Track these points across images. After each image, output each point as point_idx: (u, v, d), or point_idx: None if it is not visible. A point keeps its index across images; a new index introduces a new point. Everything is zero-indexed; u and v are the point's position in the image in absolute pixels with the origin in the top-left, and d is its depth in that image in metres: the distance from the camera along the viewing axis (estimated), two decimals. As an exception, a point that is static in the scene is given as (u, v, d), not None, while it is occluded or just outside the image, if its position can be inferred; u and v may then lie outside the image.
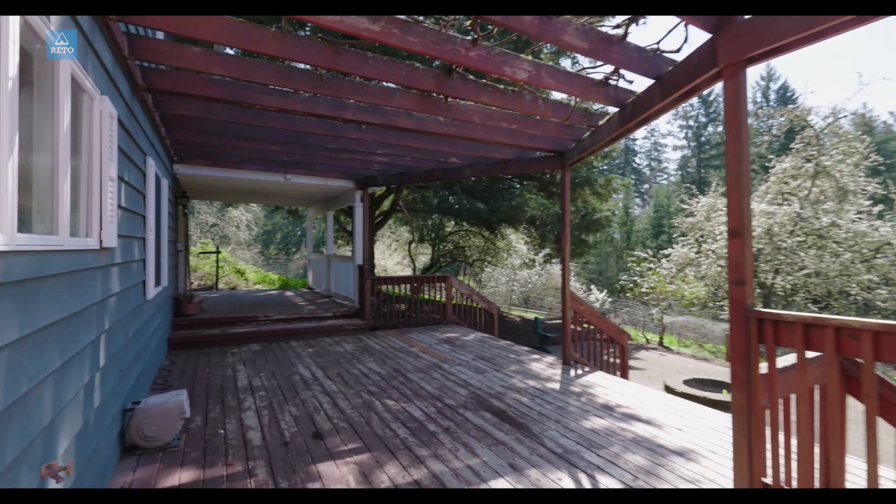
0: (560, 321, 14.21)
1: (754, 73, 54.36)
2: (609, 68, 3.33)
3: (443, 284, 8.74)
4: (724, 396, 6.95)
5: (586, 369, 5.49)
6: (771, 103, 47.43)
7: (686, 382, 7.75)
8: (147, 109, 4.04)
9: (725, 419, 3.82)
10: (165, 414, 3.15)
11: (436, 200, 11.00)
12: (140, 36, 3.03)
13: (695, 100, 52.55)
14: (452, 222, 22.48)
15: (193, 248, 20.18)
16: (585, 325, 5.93)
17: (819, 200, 14.04)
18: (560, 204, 5.54)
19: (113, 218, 2.65)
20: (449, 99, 3.96)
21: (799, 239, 13.21)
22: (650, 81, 3.19)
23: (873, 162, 13.40)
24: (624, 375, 6.27)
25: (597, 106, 4.26)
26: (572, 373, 5.31)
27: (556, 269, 25.28)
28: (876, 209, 13.29)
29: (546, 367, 5.58)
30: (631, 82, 3.41)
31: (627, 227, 49.07)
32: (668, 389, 7.52)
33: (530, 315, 18.48)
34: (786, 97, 45.93)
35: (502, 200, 10.76)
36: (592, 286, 27.47)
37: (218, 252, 15.69)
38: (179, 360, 5.66)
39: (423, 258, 25.21)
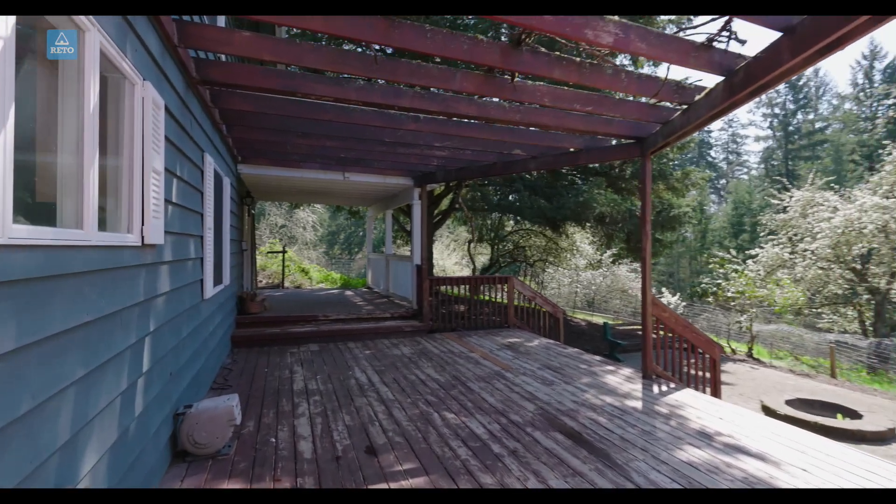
0: (632, 327, 13.17)
1: (855, 52, 48.21)
2: (714, 27, 2.73)
3: (504, 286, 8.27)
4: (841, 422, 5.87)
5: (671, 385, 4.80)
6: (876, 85, 41.83)
7: (789, 403, 6.69)
8: (205, 105, 3.97)
9: (863, 458, 3.05)
10: (214, 420, 2.99)
11: (496, 198, 10.51)
12: (190, 23, 2.89)
13: (781, 85, 47.66)
14: (512, 221, 21.88)
15: (263, 247, 21.21)
16: (668, 334, 5.22)
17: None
18: (640, 196, 4.89)
19: (159, 213, 2.50)
20: (516, 78, 3.52)
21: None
22: (773, 36, 2.55)
23: None
24: (715, 393, 5.47)
25: (691, 79, 3.62)
26: (655, 389, 4.65)
27: (622, 270, 23.80)
28: None
29: (623, 380, 4.95)
30: (743, 42, 2.78)
31: (702, 226, 45.42)
32: (768, 411, 6.53)
33: (596, 319, 17.44)
34: (893, 77, 40.24)
35: (567, 197, 10.05)
36: (664, 289, 25.56)
37: (284, 252, 16.26)
38: (241, 359, 5.67)
39: (482, 258, 24.79)
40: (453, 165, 6.93)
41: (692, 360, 5.38)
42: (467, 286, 8.20)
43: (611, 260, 18.55)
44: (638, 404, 4.16)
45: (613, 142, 5.26)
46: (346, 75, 3.63)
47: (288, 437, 3.33)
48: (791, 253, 13.72)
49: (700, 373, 5.44)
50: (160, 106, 2.53)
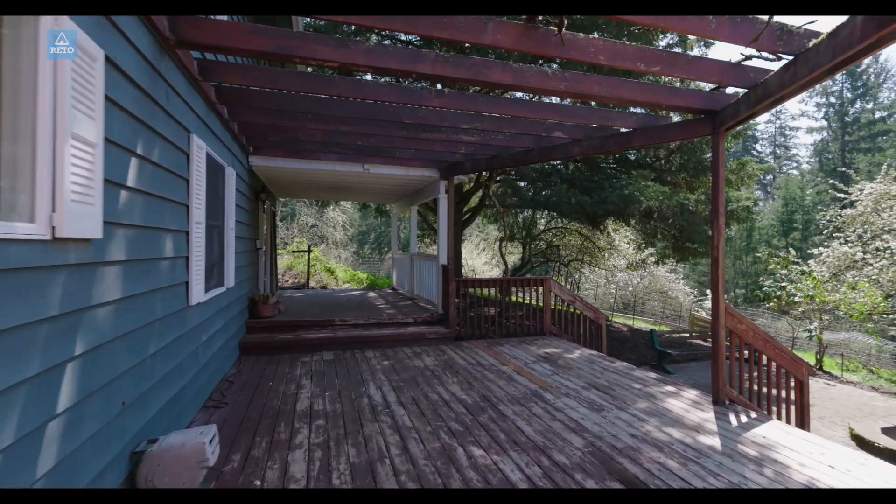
0: (682, 335, 12.04)
1: (921, 34, 43.67)
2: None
3: (540, 288, 7.46)
4: (961, 461, 4.78)
5: (752, 415, 3.90)
6: (948, 68, 38.15)
7: (886, 432, 5.60)
8: (191, 78, 3.40)
9: None
10: (180, 460, 2.38)
11: (530, 193, 9.64)
12: (148, -42, 2.28)
13: (838, 74, 44.23)
14: (544, 220, 20.87)
15: (289, 246, 21.06)
16: (744, 351, 4.30)
17: None
18: (713, 182, 4.00)
19: (91, 197, 1.89)
20: (564, 28, 2.75)
21: None
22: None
23: None
24: (802, 424, 4.51)
25: (800, 22, 2.73)
26: (732, 420, 3.77)
27: (661, 270, 22.37)
28: None
29: (689, 406, 4.08)
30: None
31: (748, 225, 42.71)
32: (862, 442, 5.47)
33: (639, 324, 16.27)
34: (971, 59, 36.63)
35: (609, 190, 9.09)
36: (707, 291, 23.92)
37: (309, 251, 15.93)
38: (246, 369, 5.12)
39: (513, 258, 23.89)
40: (483, 153, 6.18)
41: (774, 381, 4.45)
42: (498, 288, 7.44)
43: (654, 260, 17.29)
44: (715, 442, 3.30)
45: (675, 118, 4.39)
46: (350, 27, 2.95)
47: (277, 478, 2.69)
48: (864, 252, 12.21)
49: (782, 392, 4.51)
50: (95, 57, 1.91)
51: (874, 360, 11.42)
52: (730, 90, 3.90)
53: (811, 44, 2.58)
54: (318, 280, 17.19)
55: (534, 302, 7.63)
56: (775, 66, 2.95)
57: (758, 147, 56.78)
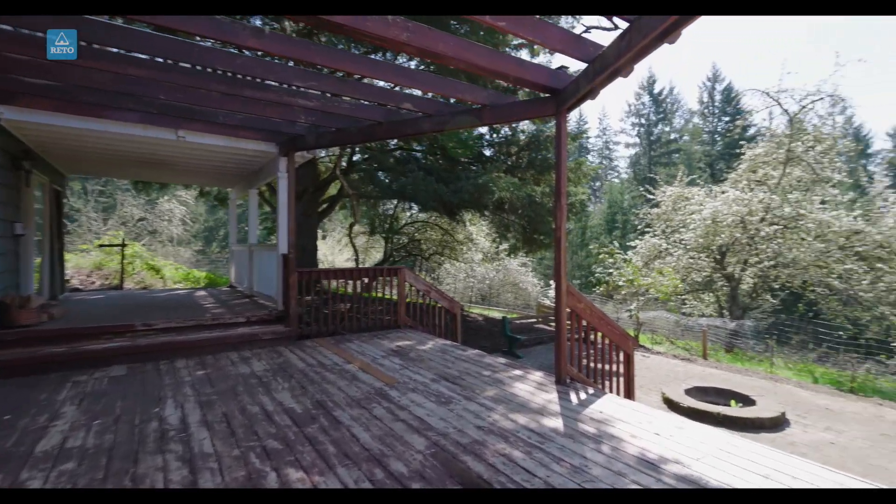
0: (529, 320, 12.84)
1: (700, 75, 55.72)
2: None
3: (394, 279, 7.02)
4: (741, 411, 5.72)
5: (590, 391, 3.98)
6: (716, 104, 49.09)
7: (688, 393, 6.50)
8: None
9: (846, 480, 2.40)
10: None
11: (387, 180, 9.16)
12: None
13: (646, 97, 53.57)
14: (408, 213, 20.75)
15: (97, 240, 17.27)
16: (581, 329, 4.44)
17: (788, 189, 13.53)
18: (556, 163, 3.99)
19: None
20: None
21: (777, 227, 12.56)
22: None
23: (844, 148, 13.01)
24: (629, 394, 4.85)
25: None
26: (573, 398, 3.78)
27: (513, 264, 24.16)
28: (846, 198, 12.89)
29: (535, 388, 4.02)
30: None
31: (582, 224, 49.16)
32: (672, 404, 6.23)
33: (493, 313, 17.10)
34: (730, 97, 47.59)
35: (465, 180, 9.15)
36: (552, 282, 26.63)
37: (123, 245, 13.12)
38: (-27, 399, 3.60)
39: (376, 253, 23.34)
40: (328, 125, 5.46)
41: (606, 356, 4.69)
42: (350, 280, 6.80)
43: (506, 252, 18.40)
44: (558, 423, 3.21)
45: (522, 96, 4.30)
46: None
47: (-54, 573, 1.68)
48: (667, 243, 14.66)
49: (613, 366, 4.80)
50: None
51: (673, 333, 13.77)
52: (571, 71, 3.91)
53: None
54: (139, 280, 14.30)
55: (388, 295, 7.18)
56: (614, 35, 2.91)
57: (590, 157, 65.79)
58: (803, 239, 12.88)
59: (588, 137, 64.26)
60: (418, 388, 3.94)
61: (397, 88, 4.29)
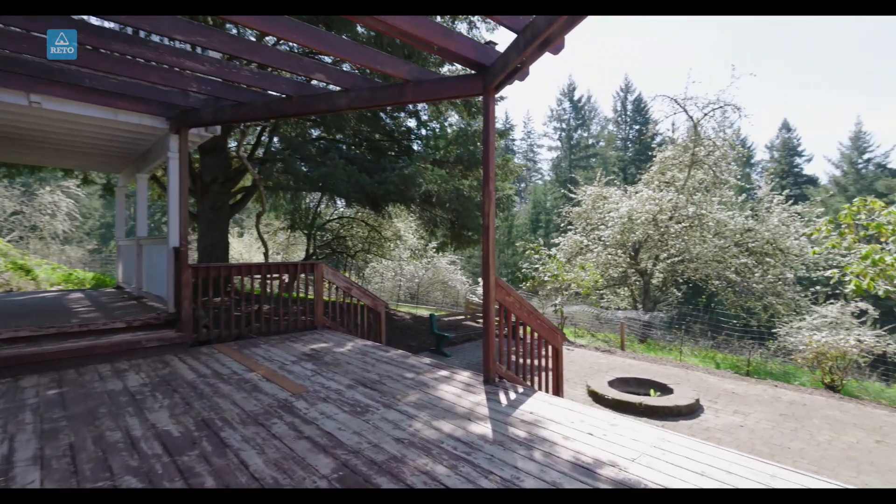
0: (458, 318, 12.63)
1: (612, 86, 59.75)
2: None
3: (310, 276, 6.38)
4: (660, 399, 5.87)
5: (520, 390, 3.73)
6: (628, 113, 52.91)
7: (611, 385, 6.60)
8: None
9: (779, 470, 2.31)
10: None
11: (305, 169, 8.33)
12: None
13: (567, 103, 56.40)
14: (332, 209, 19.73)
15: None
16: (511, 324, 4.20)
17: (692, 190, 14.66)
18: (483, 146, 3.69)
19: None
20: None
21: (684, 225, 13.52)
22: None
23: (738, 154, 14.35)
24: (558, 390, 4.71)
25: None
26: (503, 398, 3.50)
27: (443, 262, 24.06)
28: (739, 199, 14.24)
29: (462, 390, 3.69)
30: None
31: (508, 223, 50.61)
32: (597, 397, 6.26)
33: (421, 311, 16.75)
34: (640, 107, 51.54)
35: (391, 171, 8.64)
36: (480, 279, 26.91)
37: (-21, 239, 10.97)
38: None
39: (300, 251, 22.01)
40: (229, 97, 4.73)
41: (535, 352, 4.51)
42: (263, 277, 6.05)
43: (434, 249, 18.15)
44: (487, 429, 2.89)
45: (449, 72, 3.95)
46: None
47: None
48: (587, 240, 15.28)
49: (542, 361, 4.63)
50: None
51: (594, 326, 14.35)
52: (500, 48, 3.63)
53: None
54: (3, 283, 12.07)
55: (304, 294, 6.52)
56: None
57: (516, 159, 68.04)
58: (705, 236, 14.04)
59: (514, 140, 66.45)
60: (330, 397, 3.43)
61: (308, 57, 3.75)
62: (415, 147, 12.35)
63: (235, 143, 14.66)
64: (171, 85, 4.43)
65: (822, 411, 5.98)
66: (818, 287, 13.91)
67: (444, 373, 4.18)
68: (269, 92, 4.80)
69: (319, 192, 12.57)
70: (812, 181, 44.52)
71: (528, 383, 4.35)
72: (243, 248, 27.06)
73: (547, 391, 4.64)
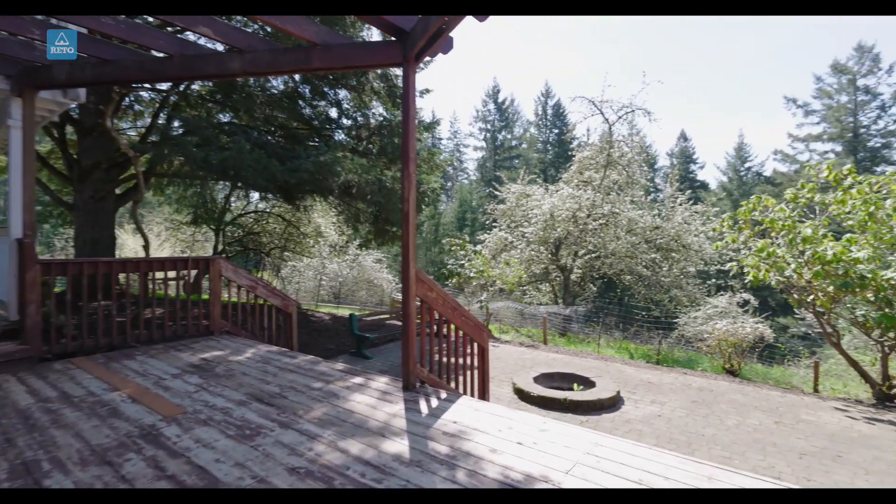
0: (381, 317, 12.05)
1: (534, 90, 62.18)
2: None
3: (206, 273, 5.52)
4: (584, 394, 5.85)
5: (443, 395, 3.36)
6: (548, 117, 55.37)
7: (536, 381, 6.50)
8: None
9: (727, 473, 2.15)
10: None
11: (202, 153, 7.23)
12: None
13: (492, 105, 57.70)
14: (244, 203, 18.15)
15: None
16: (433, 322, 3.83)
17: (607, 190, 15.42)
18: (403, 122, 3.28)
19: None
20: None
21: (600, 222, 14.13)
22: None
23: (646, 157, 15.33)
24: (484, 392, 4.42)
25: None
26: (423, 407, 3.11)
27: (368, 260, 23.24)
28: (647, 199, 15.22)
29: (378, 399, 3.24)
30: None
31: (435, 221, 50.66)
32: (522, 394, 6.11)
33: (342, 311, 15.91)
34: (559, 112, 54.16)
35: (305, 158, 7.84)
36: (406, 277, 26.39)
37: None
38: None
39: (208, 248, 20.01)
40: (91, 53, 3.83)
41: (460, 350, 4.18)
42: (142, 275, 5.08)
43: (357, 246, 17.36)
44: (403, 446, 2.47)
45: (364, 38, 3.46)
46: None
47: None
48: (512, 237, 15.48)
49: (467, 360, 4.32)
50: None
51: (518, 322, 14.55)
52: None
53: None
54: None
55: (195, 295, 5.64)
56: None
57: (443, 157, 68.35)
58: (618, 234, 14.84)
59: (441, 139, 66.70)
60: (213, 419, 2.81)
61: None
62: (336, 138, 11.58)
63: (127, 126, 12.79)
64: (11, 31, 3.49)
65: (727, 395, 6.35)
66: (713, 280, 15.34)
67: (358, 380, 3.69)
68: (153, 52, 3.99)
69: (226, 182, 11.34)
70: (704, 186, 49.73)
71: (453, 385, 4.02)
72: (138, 244, 24.09)
73: (473, 393, 4.34)
